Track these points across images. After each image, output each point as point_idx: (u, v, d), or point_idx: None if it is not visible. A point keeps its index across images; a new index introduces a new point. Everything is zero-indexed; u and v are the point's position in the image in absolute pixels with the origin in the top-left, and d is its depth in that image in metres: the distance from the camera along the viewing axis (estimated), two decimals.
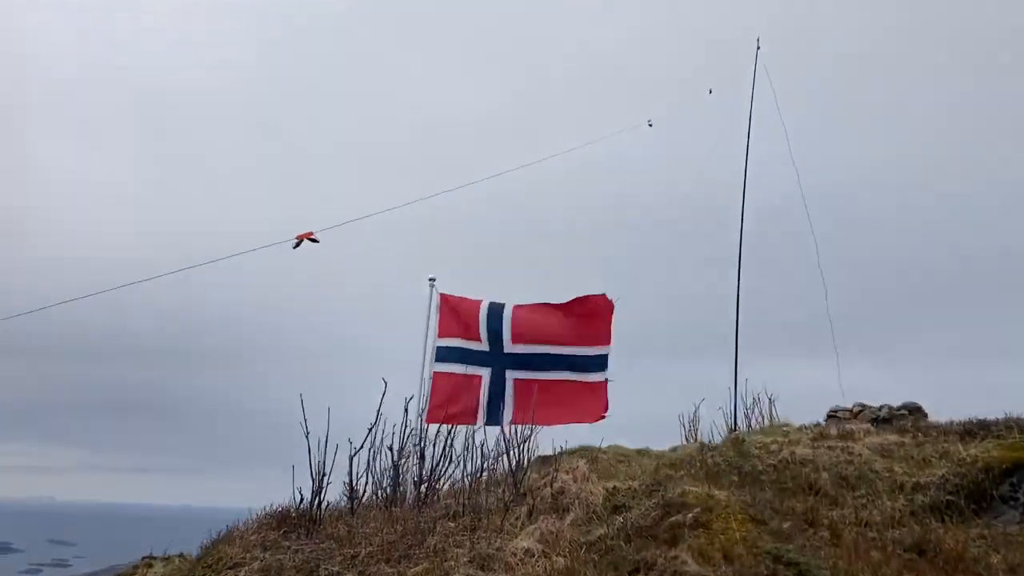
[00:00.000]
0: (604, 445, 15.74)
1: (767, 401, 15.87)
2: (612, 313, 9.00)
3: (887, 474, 8.06)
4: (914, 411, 18.26)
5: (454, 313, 9.14)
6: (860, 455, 8.53)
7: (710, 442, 13.28)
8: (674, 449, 15.63)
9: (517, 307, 9.16)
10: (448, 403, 8.70)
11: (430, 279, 9.37)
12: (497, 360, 8.91)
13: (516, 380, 8.82)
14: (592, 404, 8.60)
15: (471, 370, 8.93)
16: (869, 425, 10.24)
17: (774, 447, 8.99)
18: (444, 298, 9.27)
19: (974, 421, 9.31)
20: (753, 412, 15.58)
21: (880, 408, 18.14)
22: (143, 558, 9.36)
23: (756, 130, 14.94)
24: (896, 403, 18.21)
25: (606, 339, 8.94)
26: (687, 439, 16.34)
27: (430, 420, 8.78)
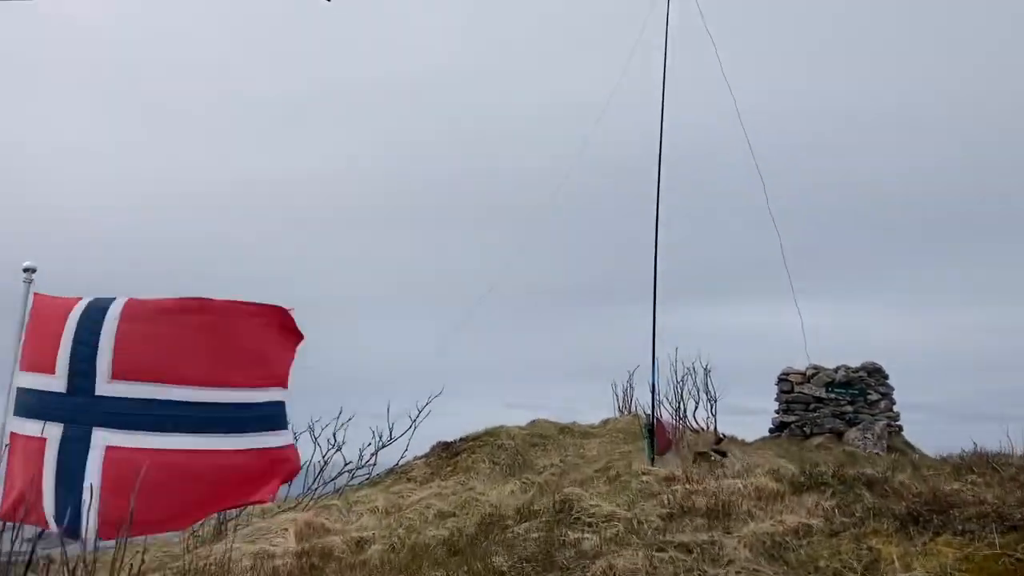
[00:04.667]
0: (525, 422, 13.24)
1: (702, 372, 13.76)
2: (295, 341, 5.09)
3: None
4: (873, 372, 15.32)
5: (41, 327, 5.38)
6: (732, 560, 4.89)
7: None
8: (605, 423, 13.88)
9: (133, 305, 5.19)
10: (19, 487, 5.00)
11: (25, 269, 5.56)
12: (80, 409, 5.03)
13: (111, 449, 4.98)
14: (262, 477, 4.81)
15: (45, 429, 5.14)
16: (781, 484, 6.61)
17: (590, 542, 5.31)
18: (39, 301, 5.51)
19: (939, 473, 5.71)
20: (685, 383, 13.67)
21: (836, 369, 15.22)
22: None
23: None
24: (855, 362, 15.57)
25: (283, 376, 5.08)
26: (620, 411, 14.82)
27: (3, 515, 5.08)
